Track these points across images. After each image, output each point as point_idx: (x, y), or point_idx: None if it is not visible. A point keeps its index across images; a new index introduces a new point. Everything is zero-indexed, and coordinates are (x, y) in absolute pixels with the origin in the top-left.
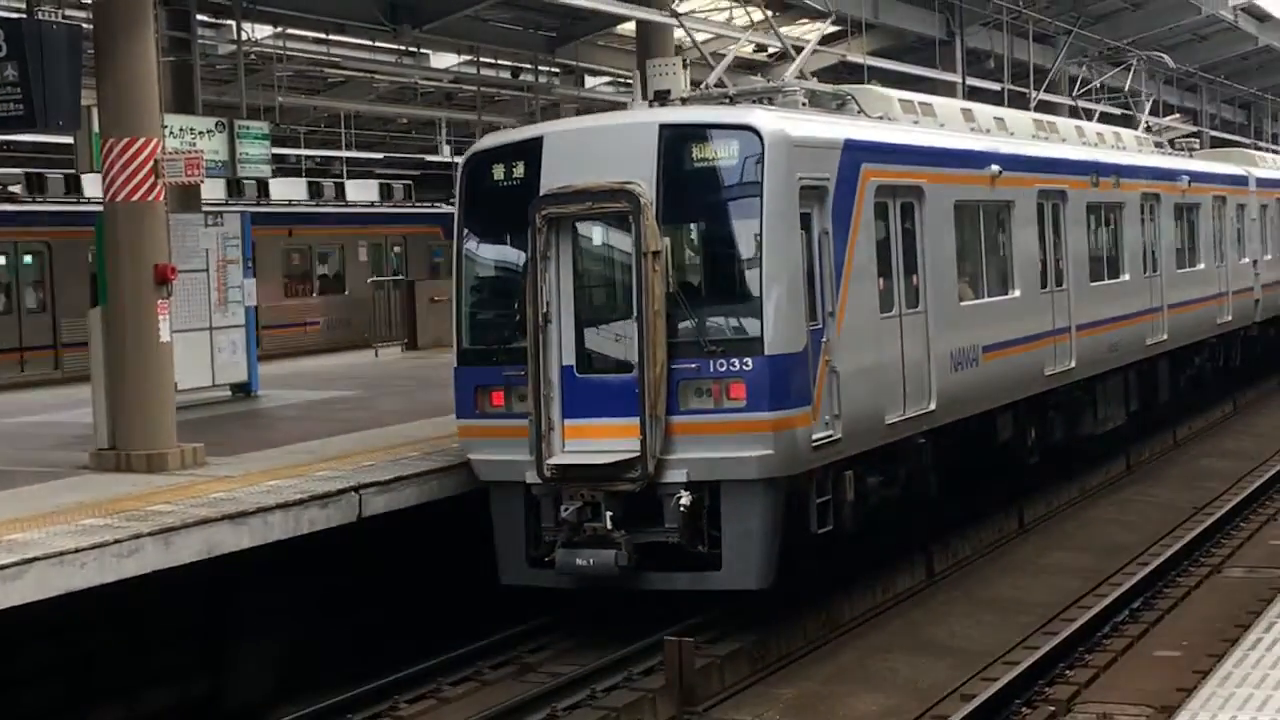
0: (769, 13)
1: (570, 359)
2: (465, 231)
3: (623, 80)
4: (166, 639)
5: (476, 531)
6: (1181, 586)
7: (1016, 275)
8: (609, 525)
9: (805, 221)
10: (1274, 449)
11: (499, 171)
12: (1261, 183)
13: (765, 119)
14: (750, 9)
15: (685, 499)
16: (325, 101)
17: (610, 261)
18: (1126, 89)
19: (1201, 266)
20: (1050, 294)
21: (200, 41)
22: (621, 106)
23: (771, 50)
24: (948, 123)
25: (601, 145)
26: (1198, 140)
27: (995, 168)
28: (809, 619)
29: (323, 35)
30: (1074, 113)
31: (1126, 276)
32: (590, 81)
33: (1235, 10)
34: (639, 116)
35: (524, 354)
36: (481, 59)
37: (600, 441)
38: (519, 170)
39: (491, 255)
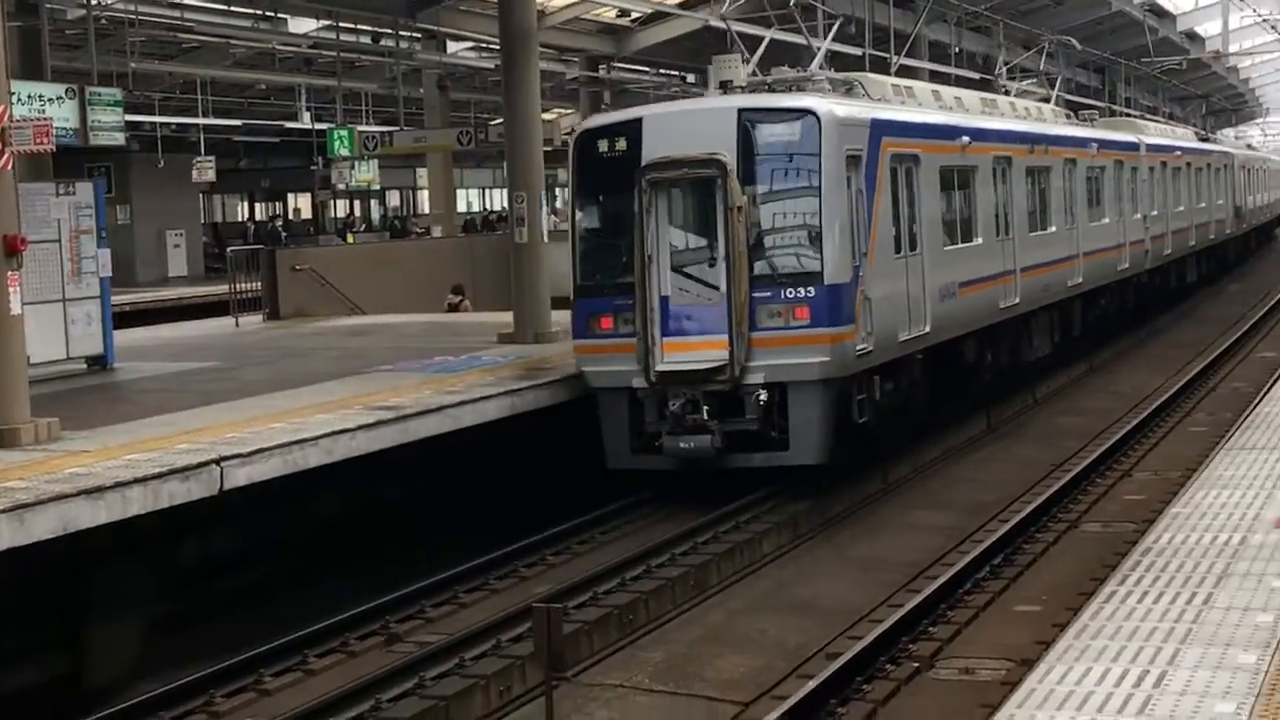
0: None
1: (667, 290)
2: (577, 193)
3: (485, 45)
4: (22, 618)
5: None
6: (1040, 542)
7: (979, 226)
8: (705, 417)
9: (848, 183)
10: (1129, 407)
11: (604, 145)
12: (1150, 148)
13: (820, 104)
14: None
15: (763, 395)
16: (180, 67)
17: (699, 215)
18: (1021, 60)
19: (1106, 221)
20: (1002, 242)
21: (48, 6)
22: (492, 71)
23: (635, 15)
24: (924, 102)
25: (690, 125)
26: (1097, 112)
27: (965, 139)
28: (677, 582)
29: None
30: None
31: (1053, 228)
32: (452, 47)
33: None
34: (719, 102)
35: (629, 288)
36: (341, 24)
37: (693, 354)
38: (621, 144)
39: (599, 211)
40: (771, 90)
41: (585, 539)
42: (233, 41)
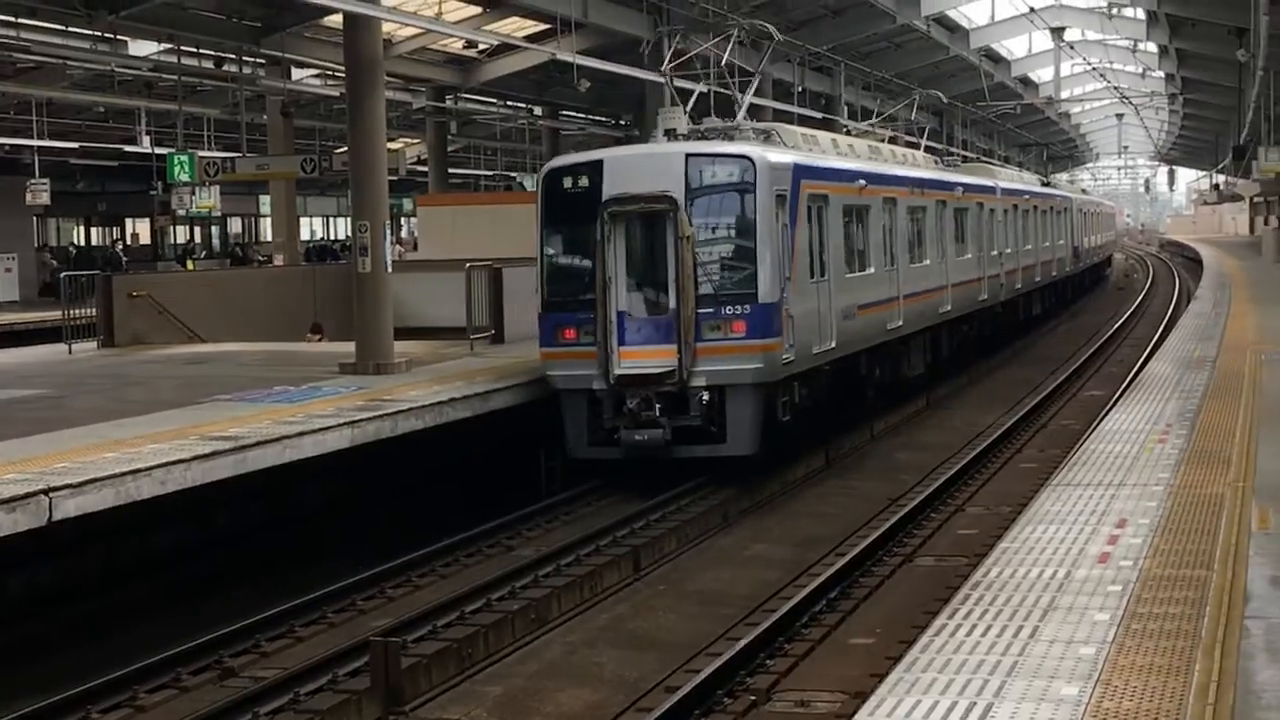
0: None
1: (624, 306)
2: (545, 223)
3: (331, 73)
4: None
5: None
6: (876, 576)
7: (871, 257)
8: (657, 413)
9: (776, 217)
10: (964, 442)
11: (568, 181)
12: (1003, 192)
13: (755, 150)
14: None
15: (705, 396)
16: (14, 88)
17: (652, 243)
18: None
19: (969, 256)
20: (889, 271)
21: None
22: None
23: (482, 47)
24: (826, 149)
25: (645, 166)
26: (959, 158)
27: (862, 181)
28: (517, 616)
29: (11, 19)
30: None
31: (928, 261)
32: (297, 74)
33: (927, 20)
34: (669, 148)
35: (590, 304)
36: (183, 48)
37: (646, 361)
38: (584, 181)
39: (563, 239)
40: (704, 138)
41: (425, 571)
42: (71, 63)
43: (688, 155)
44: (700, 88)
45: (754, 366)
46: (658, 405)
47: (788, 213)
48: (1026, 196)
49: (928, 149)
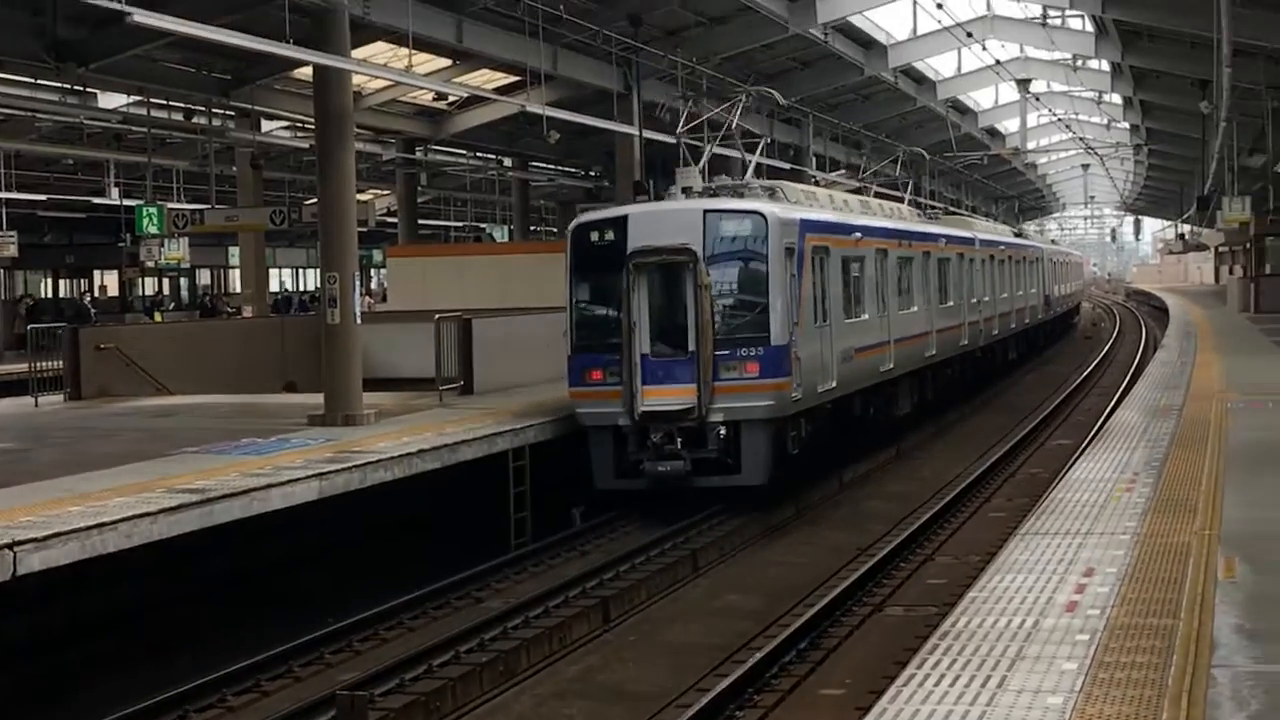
0: (449, 61)
1: (647, 349)
2: (574, 273)
3: (300, 124)
4: None
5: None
6: (846, 626)
7: (866, 303)
8: (678, 447)
9: (786, 267)
10: (933, 491)
11: (595, 235)
12: (981, 242)
13: (766, 206)
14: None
15: (722, 430)
16: None
17: (673, 291)
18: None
19: (951, 303)
20: (882, 317)
21: None
22: (307, 150)
23: (452, 99)
24: (823, 203)
25: (666, 221)
26: (941, 209)
27: (858, 234)
28: (486, 669)
29: None
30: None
31: (915, 308)
32: (267, 125)
33: (895, 73)
34: (689, 204)
35: (616, 347)
36: (153, 100)
37: (667, 399)
38: (610, 235)
39: (590, 287)
40: (716, 194)
41: (393, 624)
42: (40, 115)
43: (705, 211)
44: (710, 149)
45: (767, 404)
46: (679, 439)
47: (795, 263)
48: (1001, 247)
49: (911, 202)
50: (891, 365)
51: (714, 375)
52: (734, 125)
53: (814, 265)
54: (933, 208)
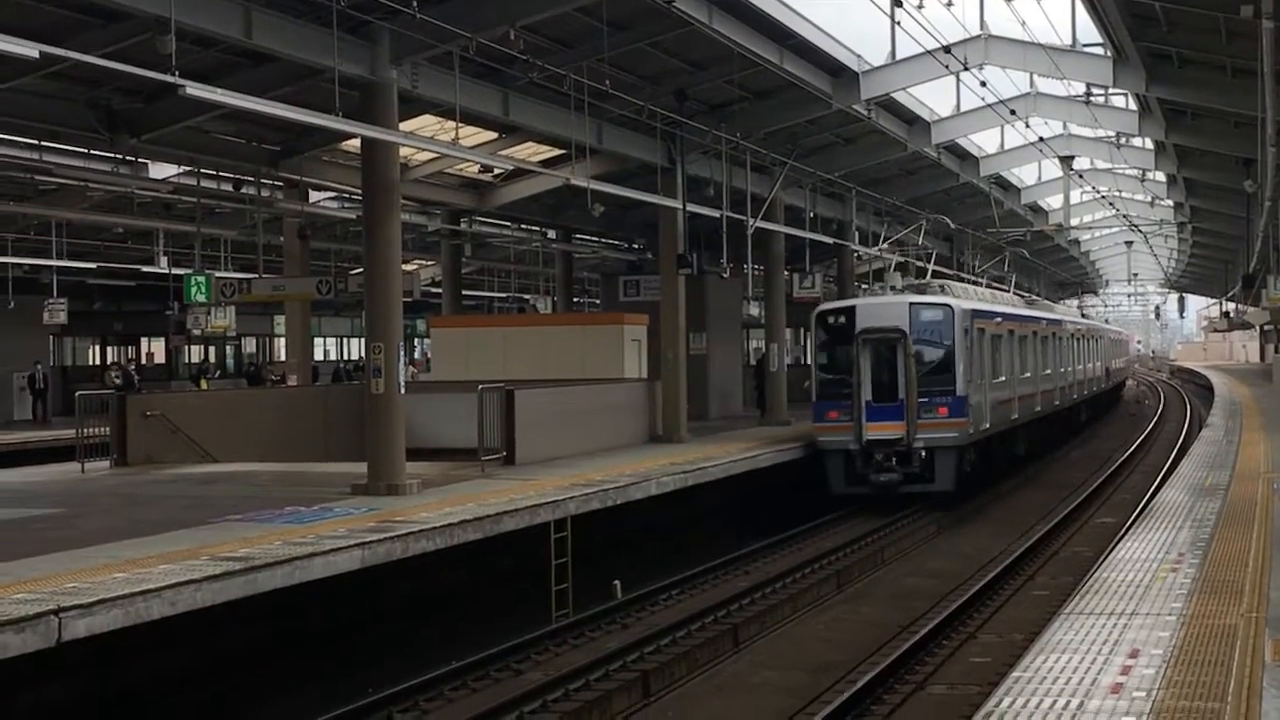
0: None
1: (869, 397)
2: (818, 346)
3: (347, 195)
4: None
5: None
6: (887, 704)
7: (1003, 368)
8: (893, 464)
9: (965, 342)
10: (975, 569)
11: (832, 319)
12: (1069, 321)
13: (953, 301)
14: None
15: (923, 453)
16: (35, 209)
17: (888, 358)
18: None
19: (1048, 371)
20: (1010, 380)
21: None
22: (354, 220)
23: (497, 171)
24: (974, 294)
25: (883, 310)
26: (1027, 297)
27: (999, 318)
28: None
29: (34, 142)
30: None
31: (1029, 374)
32: (314, 196)
33: (938, 149)
34: (898, 299)
35: (847, 395)
36: (203, 170)
37: (885, 431)
38: (842, 319)
39: (829, 354)
40: (903, 291)
41: (433, 695)
42: (91, 185)
43: (910, 304)
44: (896, 258)
45: (954, 435)
46: (893, 458)
47: (969, 338)
48: (1076, 326)
49: (1016, 291)
50: (1016, 416)
51: (917, 415)
52: (890, 239)
53: (977, 340)
54: (1034, 297)
